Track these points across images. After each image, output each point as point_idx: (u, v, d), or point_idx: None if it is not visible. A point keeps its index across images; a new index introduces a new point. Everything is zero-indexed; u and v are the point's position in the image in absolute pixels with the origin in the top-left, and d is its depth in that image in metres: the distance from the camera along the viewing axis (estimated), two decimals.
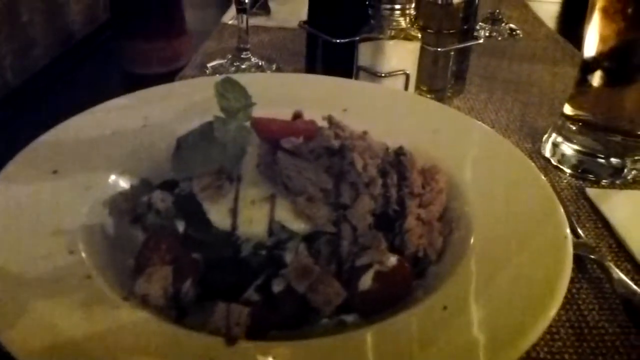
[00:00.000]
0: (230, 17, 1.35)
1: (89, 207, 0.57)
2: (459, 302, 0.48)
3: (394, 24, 0.85)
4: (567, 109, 0.83)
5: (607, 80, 0.78)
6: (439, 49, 0.92)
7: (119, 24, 1.10)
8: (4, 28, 0.96)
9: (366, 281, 0.51)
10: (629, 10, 0.72)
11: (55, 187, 0.58)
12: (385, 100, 0.78)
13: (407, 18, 0.85)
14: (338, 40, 0.91)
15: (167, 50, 1.10)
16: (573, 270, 0.50)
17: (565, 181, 0.80)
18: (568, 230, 0.54)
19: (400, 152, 0.61)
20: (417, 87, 0.93)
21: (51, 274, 0.48)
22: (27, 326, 0.43)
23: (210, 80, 0.60)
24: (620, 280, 0.59)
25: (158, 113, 0.71)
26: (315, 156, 0.56)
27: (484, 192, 0.60)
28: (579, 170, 0.81)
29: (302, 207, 0.54)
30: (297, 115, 0.64)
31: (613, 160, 0.79)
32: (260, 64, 1.10)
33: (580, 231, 0.69)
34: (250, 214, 0.54)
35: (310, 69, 1.03)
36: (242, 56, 1.10)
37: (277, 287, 0.51)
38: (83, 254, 0.51)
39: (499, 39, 1.36)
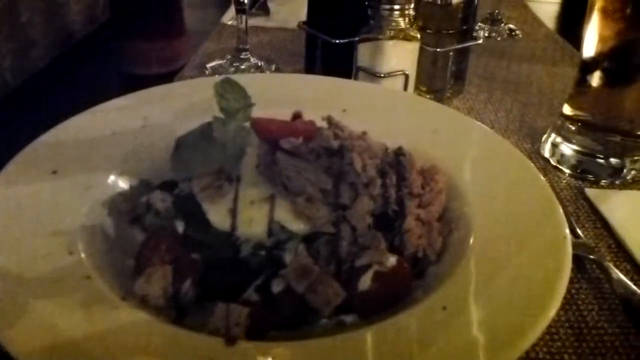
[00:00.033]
0: (229, 17, 1.35)
1: (89, 208, 0.57)
2: (458, 303, 0.48)
3: (393, 24, 0.85)
4: (567, 109, 0.83)
5: (607, 81, 0.78)
6: (438, 50, 0.92)
7: (119, 24, 1.10)
8: (3, 28, 0.96)
9: (365, 281, 0.51)
10: (628, 11, 0.72)
11: (54, 188, 0.58)
12: (384, 101, 0.79)
13: (406, 18, 0.85)
14: (337, 41, 0.91)
15: (166, 50, 1.10)
16: (572, 270, 0.50)
17: (564, 181, 0.80)
18: (567, 231, 0.54)
19: (399, 152, 0.61)
20: (417, 88, 0.93)
21: (51, 274, 0.48)
22: (26, 326, 0.43)
23: (209, 81, 0.60)
24: (620, 281, 0.60)
25: (157, 113, 0.71)
26: (315, 156, 0.56)
27: (483, 193, 0.60)
28: (578, 171, 0.81)
29: (301, 208, 0.54)
30: (297, 116, 0.64)
31: (612, 160, 0.79)
32: (259, 64, 1.10)
33: (579, 231, 0.69)
34: (249, 214, 0.54)
35: (310, 69, 1.03)
36: (241, 57, 1.10)
37: (276, 287, 0.51)
38: (82, 255, 0.51)
39: (498, 39, 1.36)
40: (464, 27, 0.97)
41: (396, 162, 0.60)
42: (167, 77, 1.02)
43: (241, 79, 0.62)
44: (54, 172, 0.60)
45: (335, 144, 0.56)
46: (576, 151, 0.81)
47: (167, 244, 0.53)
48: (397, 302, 0.50)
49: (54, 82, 1.06)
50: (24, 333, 0.43)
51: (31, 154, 0.62)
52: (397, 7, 0.84)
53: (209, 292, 0.51)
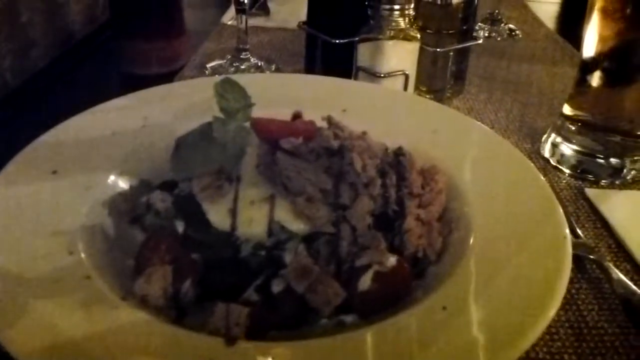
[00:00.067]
0: (229, 17, 1.35)
1: (89, 208, 0.57)
2: (458, 303, 0.48)
3: (393, 24, 0.85)
4: (567, 109, 0.83)
5: (607, 81, 0.78)
6: (438, 50, 0.92)
7: (119, 24, 1.10)
8: (3, 28, 0.96)
9: (365, 281, 0.51)
10: (628, 11, 0.72)
11: (54, 188, 0.58)
12: (384, 101, 0.79)
13: (406, 18, 0.85)
14: (337, 41, 0.91)
15: (166, 50, 1.10)
16: (572, 270, 0.50)
17: (564, 181, 0.80)
18: (567, 231, 0.54)
19: (399, 152, 0.61)
20: (417, 88, 0.93)
21: (51, 274, 0.48)
22: (26, 326, 0.43)
23: (209, 81, 0.61)
24: (620, 281, 0.60)
25: (157, 113, 0.71)
26: (315, 156, 0.56)
27: (483, 193, 0.60)
28: (578, 171, 0.81)
29: (301, 208, 0.54)
30: (297, 116, 0.64)
31: (612, 160, 0.79)
32: (259, 64, 1.10)
33: (579, 231, 0.69)
34: (249, 214, 0.54)
35: (310, 69, 1.03)
36: (241, 57, 1.10)
37: (276, 287, 0.51)
38: (82, 255, 0.51)
39: (498, 39, 1.36)
40: (464, 27, 0.97)
41: (396, 162, 0.60)
42: (167, 77, 1.02)
43: (241, 79, 0.62)
44: (54, 172, 0.60)
45: (335, 144, 0.56)
46: (576, 151, 0.81)
47: (167, 244, 0.53)
48: (397, 302, 0.50)
49: (54, 82, 1.06)
50: (24, 333, 0.43)
51: (31, 154, 0.62)
52: (397, 7, 0.84)
53: (209, 292, 0.51)
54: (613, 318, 0.58)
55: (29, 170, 0.60)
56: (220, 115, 0.59)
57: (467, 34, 0.99)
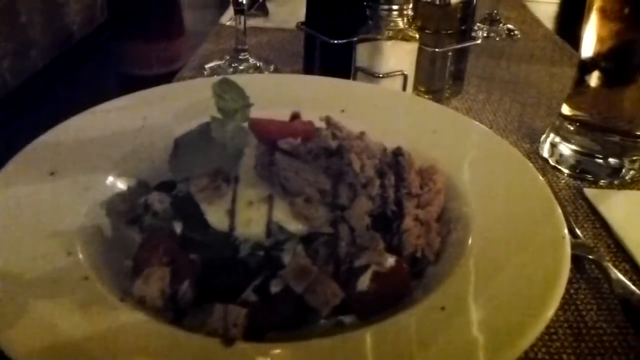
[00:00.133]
0: (228, 18, 1.35)
1: (87, 208, 0.57)
2: (457, 303, 0.48)
3: (392, 24, 0.85)
4: (565, 110, 0.83)
5: (605, 81, 0.78)
6: (436, 50, 0.92)
7: (117, 25, 1.10)
8: (2, 29, 0.96)
9: (364, 282, 0.51)
10: (626, 11, 0.72)
11: (53, 188, 0.58)
12: (383, 101, 0.78)
13: (405, 19, 0.85)
14: (336, 41, 0.91)
15: (165, 51, 1.10)
16: (571, 270, 0.50)
17: (563, 181, 0.80)
18: (566, 231, 0.54)
19: (397, 152, 0.61)
20: (415, 88, 0.93)
21: (49, 275, 0.48)
22: (24, 327, 0.43)
23: (208, 81, 0.60)
24: (619, 281, 0.59)
25: (156, 114, 0.71)
26: (313, 157, 0.56)
27: (482, 193, 0.60)
28: (577, 171, 0.81)
29: (299, 208, 0.54)
30: (295, 116, 0.64)
31: (611, 160, 0.79)
32: (258, 65, 1.10)
33: (578, 231, 0.69)
34: (247, 215, 0.54)
35: (308, 69, 1.03)
36: (240, 57, 1.10)
37: (275, 288, 0.51)
38: (80, 255, 0.51)
39: (497, 39, 1.36)
40: (463, 28, 0.97)
41: (395, 162, 0.60)
42: (166, 78, 1.01)
43: (240, 79, 0.62)
44: (53, 173, 0.60)
45: (333, 144, 0.56)
46: (575, 151, 0.81)
47: (165, 244, 0.53)
48: (396, 303, 0.50)
49: (53, 82, 1.06)
50: (22, 333, 0.43)
51: (30, 154, 0.62)
52: (395, 7, 0.84)
53: (207, 293, 0.51)
54: (612, 318, 0.58)
55: (27, 170, 0.59)
56: (219, 115, 0.59)
57: (466, 34, 0.99)
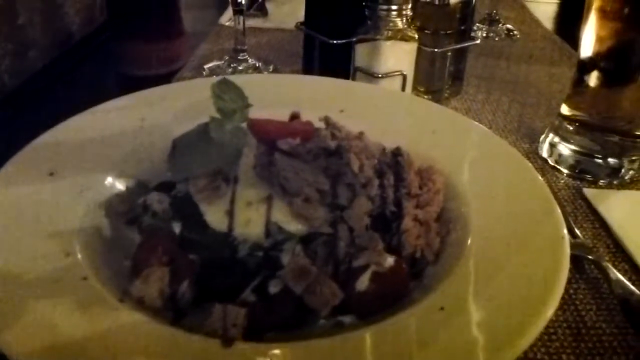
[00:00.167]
0: (227, 18, 1.35)
1: (86, 209, 0.57)
2: (456, 303, 0.48)
3: (391, 24, 0.85)
4: (564, 109, 0.83)
5: (604, 81, 0.78)
6: (436, 50, 0.92)
7: (117, 26, 1.10)
8: (2, 29, 0.96)
9: (363, 282, 0.51)
10: (626, 11, 0.72)
11: (52, 189, 0.58)
12: (382, 101, 0.78)
13: (404, 19, 0.85)
14: (335, 41, 0.91)
15: (164, 51, 1.10)
16: (570, 270, 0.50)
17: (562, 181, 0.80)
18: (565, 231, 0.54)
19: (397, 152, 0.61)
20: (414, 88, 0.93)
21: (48, 275, 0.48)
22: (23, 327, 0.43)
23: (207, 82, 0.60)
24: (618, 281, 0.59)
25: (155, 114, 0.71)
26: (312, 157, 0.56)
27: (481, 193, 0.60)
28: (577, 171, 0.81)
29: (298, 208, 0.54)
30: (295, 117, 0.64)
31: (610, 160, 0.79)
32: (257, 65, 1.10)
33: (577, 231, 0.69)
34: (246, 215, 0.54)
35: (308, 70, 1.03)
36: (239, 57, 1.10)
37: (274, 288, 0.50)
38: (79, 256, 0.51)
39: (496, 39, 1.36)
40: (462, 28, 0.97)
41: (394, 162, 0.60)
42: (165, 78, 1.01)
43: (239, 79, 0.62)
44: (52, 173, 0.60)
45: (332, 144, 0.56)
46: (574, 151, 0.81)
47: (164, 245, 0.53)
48: (395, 303, 0.50)
49: (53, 82, 1.06)
50: (21, 334, 0.42)
51: (29, 154, 0.62)
52: (394, 7, 0.84)
53: (206, 293, 0.51)
54: (611, 318, 0.58)
55: (26, 171, 0.59)
56: (218, 115, 0.59)
57: (465, 34, 0.99)
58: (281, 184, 0.55)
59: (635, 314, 0.57)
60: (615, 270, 0.61)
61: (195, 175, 0.56)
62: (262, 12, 1.42)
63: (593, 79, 0.78)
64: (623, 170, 0.79)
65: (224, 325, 0.46)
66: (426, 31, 0.93)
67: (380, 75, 0.86)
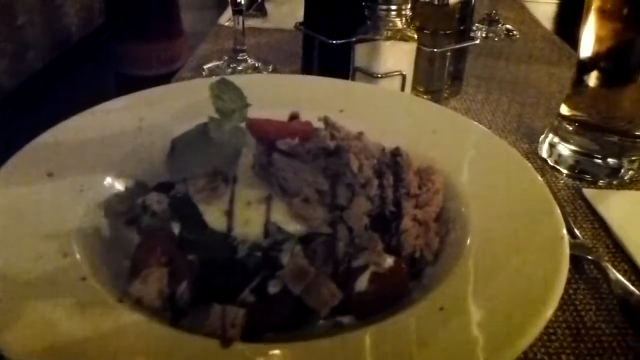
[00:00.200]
0: (226, 18, 1.35)
1: (85, 209, 0.57)
2: (456, 303, 0.48)
3: (390, 24, 0.85)
4: (564, 110, 0.83)
5: (604, 81, 0.78)
6: (435, 50, 0.92)
7: (116, 26, 1.10)
8: (1, 29, 0.96)
9: (362, 282, 0.51)
10: (625, 11, 0.72)
11: (50, 189, 0.58)
12: (381, 101, 0.78)
13: (403, 19, 0.85)
14: (334, 42, 0.91)
15: (163, 51, 1.10)
16: (570, 270, 0.50)
17: (562, 182, 0.80)
18: (565, 231, 0.53)
19: (396, 152, 0.61)
20: (414, 88, 0.93)
21: (47, 275, 0.48)
22: (22, 327, 0.43)
23: (206, 82, 0.60)
24: (617, 281, 0.59)
25: (154, 114, 0.71)
26: (311, 157, 0.56)
27: (480, 193, 0.60)
28: (576, 171, 0.81)
29: (298, 209, 0.54)
30: (294, 117, 0.64)
31: (610, 160, 0.79)
32: (256, 65, 1.10)
33: (577, 232, 0.69)
34: (245, 215, 0.54)
35: (307, 70, 1.03)
36: (238, 58, 1.10)
37: (273, 288, 0.50)
38: (78, 256, 0.51)
39: (496, 39, 1.36)
40: (461, 28, 0.97)
41: (393, 162, 0.59)
42: (165, 79, 1.01)
43: (238, 79, 0.62)
44: (50, 174, 0.60)
45: (331, 144, 0.56)
46: (574, 151, 0.81)
47: (164, 245, 0.53)
48: (394, 303, 0.50)
49: (52, 83, 1.06)
50: (20, 334, 0.42)
51: (28, 154, 0.62)
52: (394, 7, 0.84)
53: (205, 294, 0.51)
54: (611, 318, 0.58)
55: (25, 171, 0.59)
56: (217, 116, 0.59)
57: (465, 35, 0.99)
58: (280, 184, 0.55)
59: (635, 314, 0.57)
60: (614, 271, 0.61)
61: (194, 175, 0.56)
62: (262, 12, 1.42)
63: (592, 79, 0.78)
64: (622, 171, 0.79)
65: (223, 326, 0.45)
66: (425, 31, 0.93)
67: (379, 75, 0.86)
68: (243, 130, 0.59)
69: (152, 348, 0.43)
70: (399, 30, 0.85)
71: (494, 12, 1.41)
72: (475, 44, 1.04)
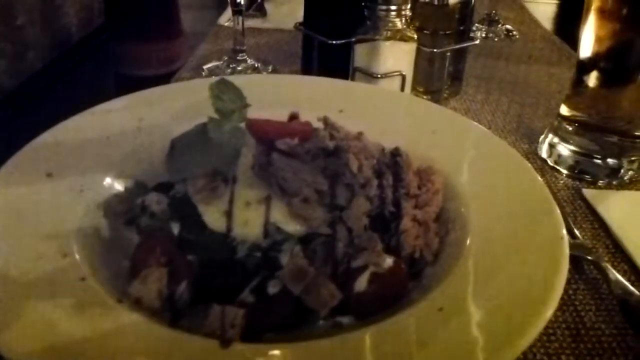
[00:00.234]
0: (226, 18, 1.35)
1: (84, 209, 0.57)
2: (455, 303, 0.47)
3: (390, 25, 0.84)
4: (564, 110, 0.83)
5: (603, 81, 0.78)
6: (435, 50, 0.92)
7: (115, 27, 1.10)
8: (0, 30, 0.96)
9: (362, 283, 0.51)
10: (624, 11, 0.72)
11: (50, 189, 0.58)
12: (381, 102, 0.78)
13: (403, 19, 0.85)
14: (334, 42, 0.91)
15: (163, 52, 1.09)
16: (570, 271, 0.50)
17: (561, 182, 0.80)
18: (564, 231, 0.53)
19: (395, 152, 0.61)
20: (414, 88, 0.93)
21: (46, 276, 0.48)
22: (21, 328, 0.43)
23: (206, 82, 0.60)
24: (617, 281, 0.59)
25: (154, 115, 0.71)
26: (311, 157, 0.56)
27: (480, 193, 0.60)
28: (576, 171, 0.81)
29: (297, 209, 0.54)
30: (293, 117, 0.64)
31: (609, 160, 0.79)
32: (256, 65, 1.10)
33: (577, 232, 0.68)
34: (245, 215, 0.54)
35: (307, 70, 1.03)
36: (238, 58, 1.10)
37: (272, 288, 0.50)
38: (77, 256, 0.51)
39: (496, 40, 1.36)
40: (461, 28, 0.97)
41: (393, 162, 0.60)
42: (164, 79, 1.01)
43: (238, 79, 0.62)
44: (50, 174, 0.60)
45: (331, 144, 0.56)
46: (573, 152, 0.81)
47: (163, 245, 0.53)
48: (394, 304, 0.50)
49: (52, 83, 1.06)
50: (19, 335, 0.42)
51: (28, 155, 0.62)
52: (393, 7, 0.84)
53: (204, 294, 0.51)
54: (610, 319, 0.58)
55: (25, 171, 0.59)
56: (216, 116, 0.59)
57: (464, 35, 0.98)
58: (280, 184, 0.55)
59: (635, 314, 0.57)
60: (614, 271, 0.61)
61: (193, 175, 0.56)
62: (261, 12, 1.42)
63: (592, 79, 0.78)
64: (622, 171, 0.79)
65: (223, 326, 0.45)
66: (425, 31, 0.93)
67: (379, 76, 0.86)
68: (242, 131, 0.59)
69: (152, 348, 0.43)
70: (398, 31, 0.85)
71: (493, 12, 1.41)
72: (475, 44, 1.04)
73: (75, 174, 0.60)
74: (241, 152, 0.58)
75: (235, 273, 0.52)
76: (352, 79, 0.89)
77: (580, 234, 0.69)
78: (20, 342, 0.42)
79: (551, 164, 0.83)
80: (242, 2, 1.03)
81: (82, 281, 0.48)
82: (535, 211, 0.57)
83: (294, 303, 0.50)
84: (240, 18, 1.06)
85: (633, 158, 0.79)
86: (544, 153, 0.85)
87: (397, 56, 0.86)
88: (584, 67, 0.78)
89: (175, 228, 0.55)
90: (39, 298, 0.46)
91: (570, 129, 0.81)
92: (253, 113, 0.59)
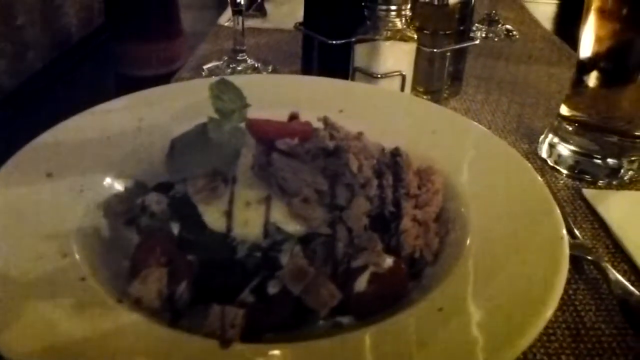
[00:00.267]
0: (226, 19, 1.35)
1: (84, 209, 0.57)
2: (455, 303, 0.47)
3: (390, 25, 0.84)
4: (564, 110, 0.83)
5: (603, 81, 0.78)
6: (435, 50, 0.92)
7: (115, 27, 1.10)
8: (0, 30, 0.96)
9: (362, 283, 0.51)
10: (624, 11, 0.72)
11: (50, 190, 0.58)
12: (381, 102, 0.78)
13: (403, 19, 0.85)
14: (334, 42, 0.91)
15: (163, 52, 1.09)
16: (570, 271, 0.50)
17: (561, 182, 0.80)
18: (564, 231, 0.53)
19: (395, 153, 0.61)
20: (414, 88, 0.93)
21: (46, 276, 0.48)
22: (21, 328, 0.43)
23: (206, 82, 0.60)
24: (617, 281, 0.59)
25: (154, 115, 0.71)
26: (311, 157, 0.56)
27: (480, 193, 0.60)
28: (576, 171, 0.81)
29: (297, 209, 0.54)
30: (293, 117, 0.64)
31: (609, 160, 0.79)
32: (256, 65, 1.10)
33: (577, 232, 0.68)
34: (245, 215, 0.54)
35: (307, 70, 1.03)
36: (238, 58, 1.10)
37: (272, 289, 0.50)
38: (77, 256, 0.51)
39: (496, 40, 1.36)
40: (461, 28, 0.97)
41: (393, 162, 0.60)
42: (164, 79, 1.01)
43: (237, 79, 0.62)
44: (50, 174, 0.60)
45: (331, 144, 0.56)
46: (573, 152, 0.81)
47: (163, 245, 0.53)
48: (394, 303, 0.50)
49: (52, 83, 1.06)
50: (19, 335, 0.42)
51: (28, 155, 0.62)
52: (393, 7, 0.84)
53: (204, 294, 0.51)
54: (610, 319, 0.58)
55: (25, 172, 0.59)
56: (216, 116, 0.59)
57: (464, 35, 0.98)
58: (279, 184, 0.55)
59: (635, 314, 0.57)
60: (614, 271, 0.61)
61: (193, 175, 0.56)
62: (261, 12, 1.42)
63: (592, 79, 0.78)
64: (622, 171, 0.79)
65: (222, 326, 0.45)
66: (425, 31, 0.93)
67: (379, 76, 0.86)
68: (242, 131, 0.59)
69: (151, 348, 0.43)
70: (398, 31, 0.85)
71: (493, 12, 1.41)
72: (475, 44, 1.04)
73: (75, 174, 0.60)
74: (241, 152, 0.58)
75: (235, 273, 0.52)
76: (352, 79, 0.89)
77: (580, 234, 0.69)
78: (20, 342, 0.42)
79: (551, 164, 0.83)
80: (242, 2, 1.03)
81: (82, 281, 0.48)
82: (535, 211, 0.57)
83: (293, 303, 0.50)
84: (240, 18, 1.06)
85: (633, 158, 0.79)
86: (544, 153, 0.85)
87: (397, 56, 0.86)
88: (584, 67, 0.78)
89: (175, 228, 0.55)
90: (39, 298, 0.46)
91: (570, 129, 0.81)
92: (253, 113, 0.59)
